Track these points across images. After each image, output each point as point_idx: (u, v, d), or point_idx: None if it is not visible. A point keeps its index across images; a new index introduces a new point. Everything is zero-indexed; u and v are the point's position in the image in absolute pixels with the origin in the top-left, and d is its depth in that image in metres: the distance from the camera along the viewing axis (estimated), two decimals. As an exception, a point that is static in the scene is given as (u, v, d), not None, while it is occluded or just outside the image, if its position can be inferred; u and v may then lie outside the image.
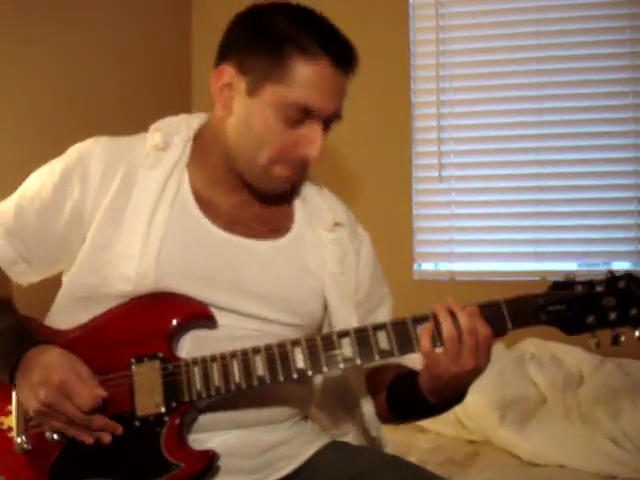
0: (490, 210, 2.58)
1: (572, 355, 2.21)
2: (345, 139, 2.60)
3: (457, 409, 2.09)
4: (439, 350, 1.12)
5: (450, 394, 1.20)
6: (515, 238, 2.56)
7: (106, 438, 1.12)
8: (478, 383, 2.22)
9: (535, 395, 2.12)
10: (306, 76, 1.19)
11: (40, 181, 1.28)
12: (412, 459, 1.67)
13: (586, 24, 2.49)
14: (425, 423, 2.12)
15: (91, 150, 1.27)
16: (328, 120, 1.25)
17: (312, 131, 1.22)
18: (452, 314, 1.12)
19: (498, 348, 2.32)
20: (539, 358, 2.20)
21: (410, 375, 1.24)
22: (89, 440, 1.12)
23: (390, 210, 2.57)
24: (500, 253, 2.57)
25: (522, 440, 1.92)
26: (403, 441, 2.02)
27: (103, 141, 1.29)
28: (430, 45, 2.60)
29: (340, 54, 1.22)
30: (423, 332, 1.13)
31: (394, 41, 2.61)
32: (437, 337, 1.13)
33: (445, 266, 2.60)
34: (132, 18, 2.38)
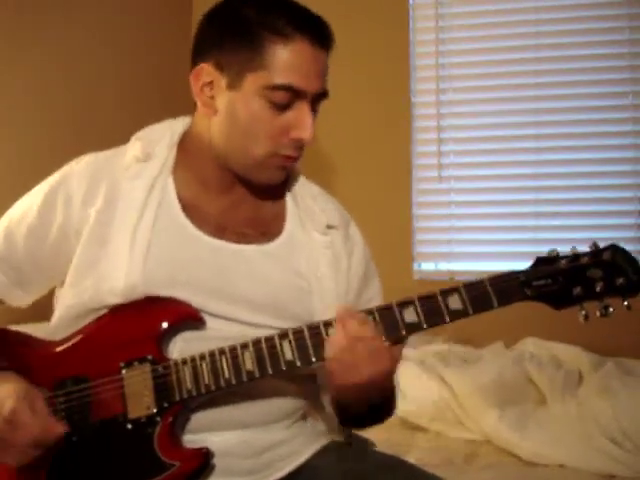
0: (489, 210, 2.59)
1: (571, 354, 2.21)
2: (345, 139, 2.62)
3: (457, 409, 2.11)
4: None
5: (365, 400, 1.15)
6: (514, 238, 2.57)
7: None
8: (478, 383, 2.22)
9: (534, 395, 2.12)
10: (285, 58, 1.18)
11: (26, 205, 1.28)
12: (412, 459, 1.67)
13: (585, 24, 2.50)
14: (425, 423, 2.12)
15: (73, 170, 1.27)
16: (315, 100, 1.23)
17: (301, 112, 1.20)
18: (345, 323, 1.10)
19: (497, 348, 2.33)
20: (538, 358, 2.20)
21: None
22: None
23: (390, 210, 2.57)
24: (499, 253, 2.58)
25: (522, 440, 1.92)
26: (403, 441, 2.02)
27: (85, 160, 1.28)
28: (430, 45, 2.61)
29: (315, 31, 1.20)
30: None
31: (394, 41, 2.62)
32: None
33: (445, 266, 2.62)
34: (132, 18, 2.38)
